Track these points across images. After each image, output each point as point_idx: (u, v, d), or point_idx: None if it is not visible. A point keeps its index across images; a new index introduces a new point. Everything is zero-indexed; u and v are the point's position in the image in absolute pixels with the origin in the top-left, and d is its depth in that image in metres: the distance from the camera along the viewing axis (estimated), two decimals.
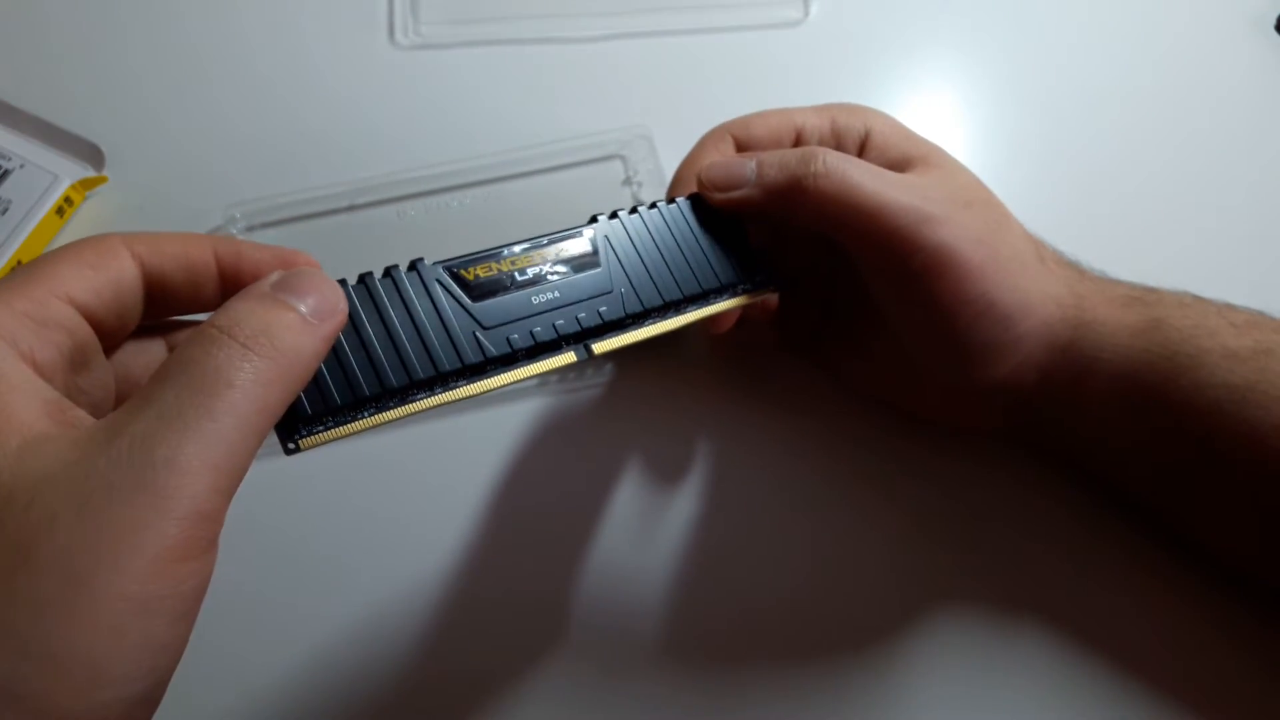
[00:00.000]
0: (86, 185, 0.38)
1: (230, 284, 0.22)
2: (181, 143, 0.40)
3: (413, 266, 0.24)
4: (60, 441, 0.17)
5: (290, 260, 0.23)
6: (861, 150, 0.29)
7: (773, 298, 0.31)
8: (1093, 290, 0.29)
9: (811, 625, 0.31)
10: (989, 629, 0.31)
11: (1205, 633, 0.30)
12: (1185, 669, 0.30)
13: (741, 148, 0.30)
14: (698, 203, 0.28)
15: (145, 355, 0.23)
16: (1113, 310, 0.28)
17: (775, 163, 0.27)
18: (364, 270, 0.23)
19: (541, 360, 0.24)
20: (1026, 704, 0.30)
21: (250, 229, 0.37)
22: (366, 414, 0.22)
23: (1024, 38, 0.45)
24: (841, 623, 0.31)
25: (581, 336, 0.25)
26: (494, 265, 0.25)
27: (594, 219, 0.27)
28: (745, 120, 0.30)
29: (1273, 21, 0.46)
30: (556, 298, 0.25)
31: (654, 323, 0.26)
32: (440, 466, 0.33)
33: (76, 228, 0.38)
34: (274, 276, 0.21)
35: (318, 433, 0.22)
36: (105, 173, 0.39)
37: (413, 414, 0.23)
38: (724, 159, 0.28)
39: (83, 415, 0.18)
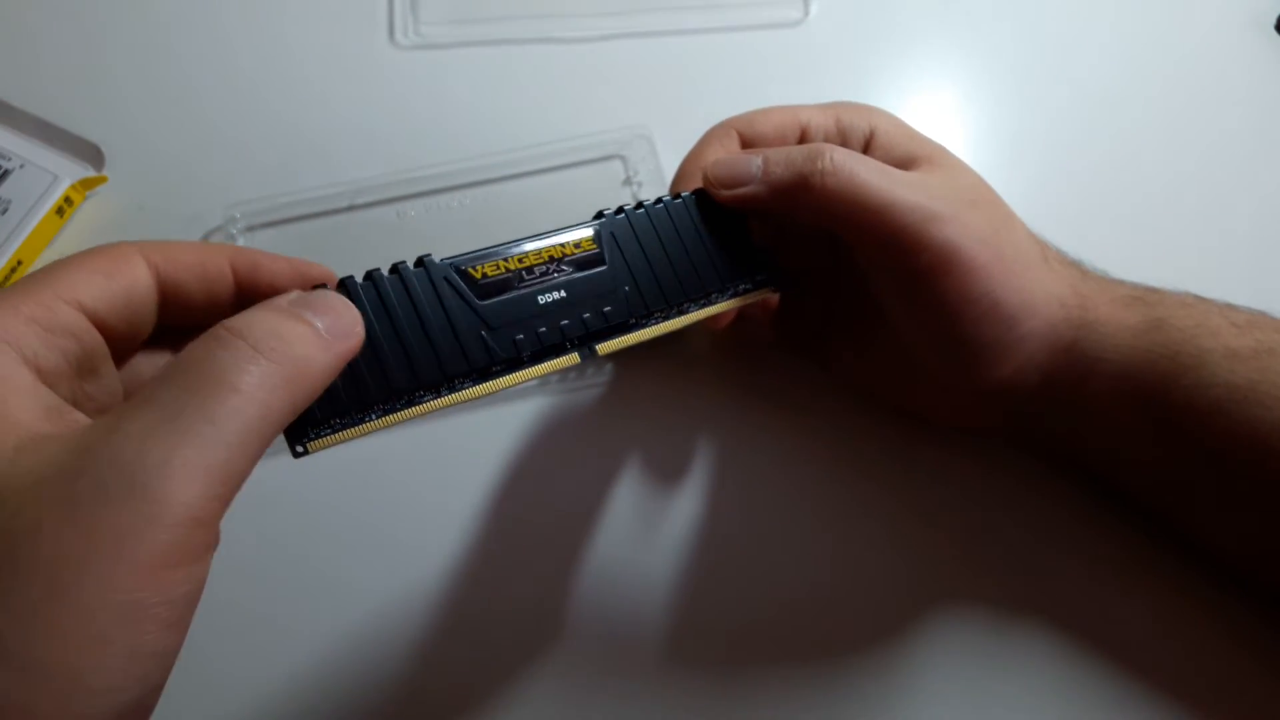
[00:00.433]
0: (86, 185, 0.38)
1: (246, 295, 0.22)
2: (182, 142, 0.40)
3: (420, 263, 0.24)
4: (57, 443, 0.17)
5: (307, 272, 0.22)
6: (866, 149, 0.29)
7: (774, 295, 0.31)
8: (1095, 290, 0.29)
9: (814, 624, 0.31)
10: (992, 628, 0.31)
11: (1206, 632, 0.30)
12: (1186, 668, 0.30)
13: (746, 144, 0.30)
14: (701, 199, 0.28)
15: (156, 365, 0.23)
16: (1115, 310, 0.28)
17: (781, 159, 0.27)
18: (367, 270, 0.23)
19: (546, 361, 0.24)
20: (1030, 702, 0.30)
21: (250, 229, 0.37)
22: (374, 416, 0.22)
23: (1024, 38, 0.45)
24: (844, 622, 0.31)
25: (586, 338, 0.25)
26: (502, 263, 0.24)
27: (599, 214, 0.27)
28: (750, 116, 0.30)
29: (1273, 21, 0.46)
30: (562, 297, 0.25)
31: (657, 323, 0.26)
32: (439, 467, 0.33)
33: (76, 228, 0.38)
34: (292, 295, 0.20)
35: (326, 435, 0.22)
36: (105, 173, 0.39)
37: (420, 415, 0.23)
38: (729, 155, 0.28)
39: (83, 419, 0.18)
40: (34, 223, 0.36)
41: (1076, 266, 0.30)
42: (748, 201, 0.27)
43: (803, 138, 0.30)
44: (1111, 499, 0.32)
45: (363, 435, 0.22)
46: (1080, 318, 0.28)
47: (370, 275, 0.23)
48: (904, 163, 0.28)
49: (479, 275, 0.24)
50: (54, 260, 0.20)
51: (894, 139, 0.29)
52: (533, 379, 0.24)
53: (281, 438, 0.20)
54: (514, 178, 0.39)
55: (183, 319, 0.22)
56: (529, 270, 0.25)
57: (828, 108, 0.30)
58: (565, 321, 0.25)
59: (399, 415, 0.23)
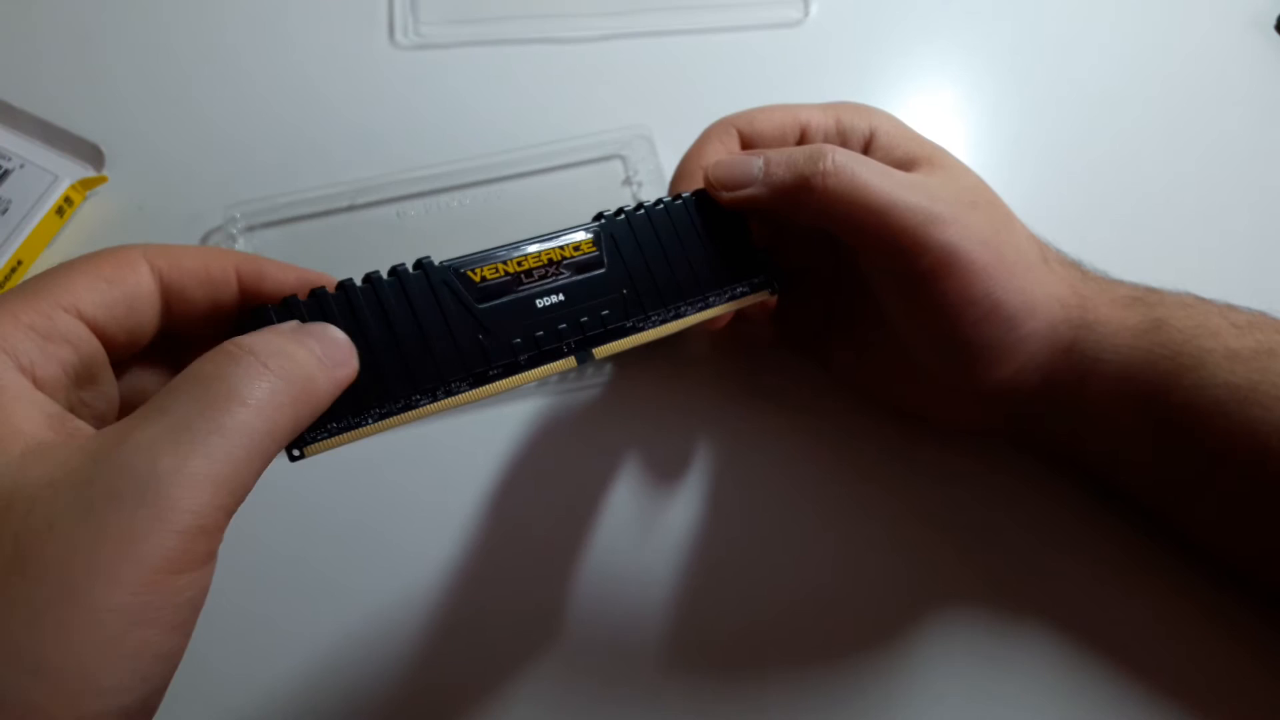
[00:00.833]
0: (86, 185, 0.38)
1: (250, 303, 0.22)
2: (182, 142, 0.40)
3: (419, 265, 0.24)
4: (64, 449, 0.17)
5: (314, 283, 0.23)
6: (866, 150, 0.29)
7: (772, 298, 0.31)
8: (1095, 291, 0.29)
9: (815, 625, 0.31)
10: (992, 629, 0.31)
11: (1206, 633, 0.30)
12: (1186, 669, 0.30)
13: (746, 142, 0.30)
14: (701, 200, 0.28)
15: (155, 371, 0.23)
16: (1115, 311, 0.28)
17: (783, 161, 0.27)
18: (366, 270, 0.23)
19: (542, 365, 0.24)
20: (1030, 703, 0.30)
21: (250, 229, 0.37)
22: (371, 420, 0.22)
23: (1023, 38, 0.45)
24: (844, 622, 0.31)
25: (583, 342, 0.25)
26: (501, 266, 0.24)
27: (599, 216, 0.27)
28: (750, 114, 0.30)
29: (1273, 21, 0.46)
30: (560, 301, 0.25)
31: (654, 326, 0.26)
32: (438, 468, 0.33)
33: (76, 228, 0.38)
34: (291, 323, 0.21)
35: (323, 439, 0.22)
36: (105, 173, 0.39)
37: (417, 419, 0.23)
38: (730, 157, 0.28)
39: (85, 427, 0.18)
40: (34, 223, 0.36)
41: (1076, 267, 0.30)
42: (749, 203, 0.27)
43: (803, 137, 0.30)
44: (1112, 499, 0.32)
45: (359, 439, 0.22)
46: (1080, 318, 0.28)
47: (368, 278, 0.23)
48: (904, 163, 0.28)
49: (478, 278, 0.24)
50: (57, 264, 0.20)
51: (894, 140, 0.29)
52: (529, 383, 0.24)
53: None
54: (514, 178, 0.39)
55: (184, 326, 0.22)
56: (528, 273, 0.25)
57: (828, 108, 0.30)
58: (562, 325, 0.25)
59: (395, 419, 0.23)
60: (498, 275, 0.24)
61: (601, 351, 0.25)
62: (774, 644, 0.31)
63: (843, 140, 0.30)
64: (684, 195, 0.28)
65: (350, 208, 0.38)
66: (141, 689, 0.17)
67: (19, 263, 0.36)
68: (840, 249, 0.31)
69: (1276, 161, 0.42)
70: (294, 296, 0.22)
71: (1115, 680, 0.30)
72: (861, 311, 0.31)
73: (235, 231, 0.37)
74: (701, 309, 0.27)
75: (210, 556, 0.17)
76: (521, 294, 0.24)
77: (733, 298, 0.28)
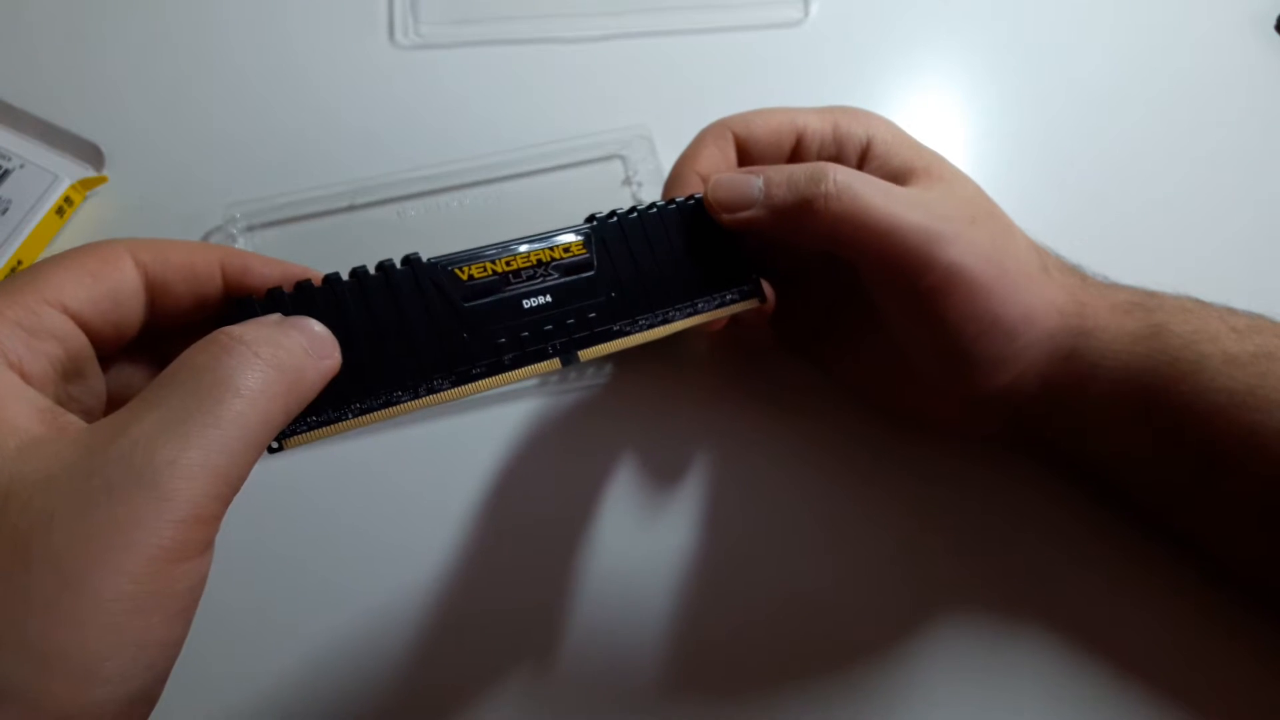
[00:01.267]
0: (86, 185, 0.38)
1: (234, 297, 0.22)
2: (182, 142, 0.40)
3: (407, 261, 0.24)
4: (60, 443, 0.17)
5: (298, 277, 0.23)
6: (863, 157, 0.29)
7: (764, 306, 0.31)
8: (1094, 297, 0.29)
9: (811, 627, 0.31)
10: (991, 631, 0.31)
11: (1206, 635, 0.30)
12: (1186, 670, 0.30)
13: (741, 145, 0.30)
14: (694, 206, 0.28)
15: (141, 365, 0.23)
16: (1114, 317, 0.28)
17: (783, 181, 0.26)
18: (352, 268, 0.23)
19: (527, 366, 0.24)
20: (1031, 705, 0.30)
21: (250, 229, 0.37)
22: (351, 414, 0.22)
23: (1023, 39, 0.45)
24: (841, 624, 0.31)
25: (569, 344, 0.25)
26: (489, 266, 0.24)
27: (591, 218, 0.27)
28: (746, 117, 0.30)
29: (1273, 21, 0.46)
30: (547, 302, 0.25)
31: (641, 330, 0.26)
32: (433, 471, 0.33)
33: (76, 228, 0.38)
34: (275, 316, 0.21)
35: (302, 432, 0.22)
36: (105, 173, 0.39)
37: (397, 416, 0.23)
38: (729, 175, 0.27)
39: (76, 421, 0.18)
40: (34, 223, 0.36)
41: (1076, 273, 0.30)
42: (750, 225, 0.27)
43: (799, 142, 0.30)
44: (1110, 501, 0.32)
45: (339, 433, 0.22)
46: (1079, 325, 0.28)
47: (355, 273, 0.23)
48: (901, 172, 0.28)
49: (465, 277, 0.24)
50: (41, 259, 0.20)
51: (891, 148, 0.29)
52: (513, 383, 0.24)
53: None
54: (514, 178, 0.39)
55: (169, 320, 0.22)
56: (516, 274, 0.25)
57: (825, 112, 0.30)
58: (549, 326, 0.25)
59: (375, 415, 0.23)
60: (485, 274, 0.24)
61: (587, 354, 0.25)
62: (771, 645, 0.31)
63: (840, 147, 0.29)
64: (677, 200, 0.28)
65: (350, 208, 0.38)
66: (144, 676, 0.17)
67: (19, 262, 0.36)
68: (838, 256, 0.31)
69: (1276, 162, 0.42)
70: (279, 289, 0.22)
71: (1113, 681, 0.30)
72: (859, 315, 0.31)
73: (235, 231, 0.37)
74: (690, 315, 0.27)
75: (208, 546, 0.18)
76: (508, 294, 0.24)
77: (721, 304, 0.28)
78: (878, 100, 0.42)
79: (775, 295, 0.32)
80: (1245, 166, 0.41)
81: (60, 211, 0.37)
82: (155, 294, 0.21)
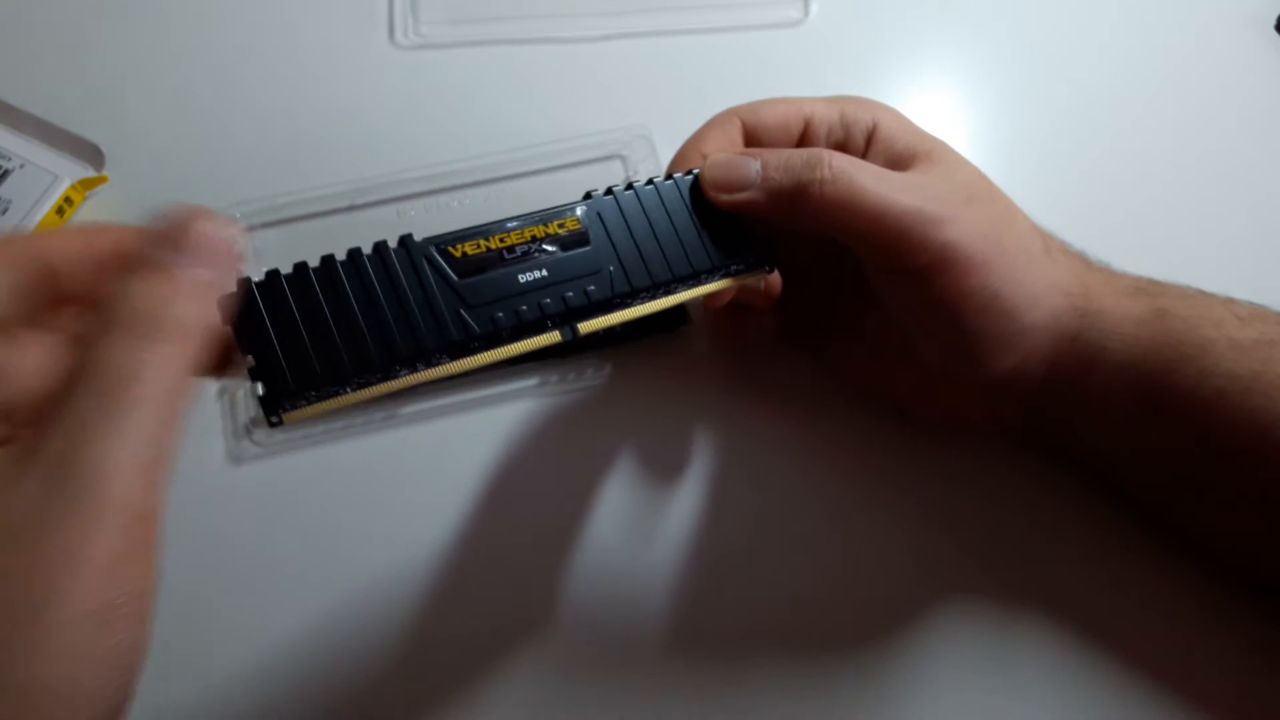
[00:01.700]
0: (86, 185, 0.38)
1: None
2: (182, 142, 0.40)
3: (402, 242, 0.24)
4: None
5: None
6: (868, 142, 0.29)
7: (775, 284, 0.31)
8: (1099, 281, 0.29)
9: (817, 620, 0.31)
10: (997, 623, 0.31)
11: (1207, 626, 0.30)
12: (1187, 662, 0.30)
13: (749, 133, 0.30)
14: (694, 181, 0.28)
15: (31, 349, 0.21)
16: (1119, 300, 0.28)
17: (780, 165, 0.26)
18: (349, 248, 0.23)
19: (526, 339, 0.24)
20: (1036, 699, 0.29)
21: (250, 229, 0.37)
22: (350, 389, 0.22)
23: (1023, 38, 0.45)
24: (846, 617, 0.31)
25: (568, 316, 0.25)
26: (483, 242, 0.25)
27: (588, 195, 0.26)
28: (754, 106, 0.30)
29: (1273, 21, 0.46)
30: (544, 276, 0.25)
31: (643, 302, 0.26)
32: (433, 472, 0.33)
33: None
34: (154, 232, 0.20)
35: (300, 406, 0.22)
36: (105, 173, 0.39)
37: (395, 390, 0.23)
38: (726, 156, 0.27)
39: None
40: (34, 223, 0.36)
41: (1080, 257, 0.30)
42: (745, 207, 0.27)
43: (806, 129, 0.30)
44: (1113, 494, 0.31)
45: (338, 408, 0.22)
46: (1085, 307, 0.28)
47: (351, 253, 0.23)
48: (904, 157, 0.28)
49: (459, 254, 0.24)
50: None
51: (895, 134, 0.29)
52: (512, 355, 0.24)
53: (258, 408, 0.20)
54: (514, 178, 0.39)
55: (60, 302, 0.20)
56: (510, 250, 0.25)
57: (832, 101, 0.30)
58: (547, 300, 0.25)
59: (375, 389, 0.23)
60: (479, 251, 0.24)
61: (587, 326, 0.25)
62: (777, 638, 0.30)
63: (846, 133, 0.29)
64: (675, 176, 0.27)
65: (350, 208, 0.38)
66: (120, 680, 0.17)
67: None
68: (841, 245, 0.31)
69: (1276, 161, 0.42)
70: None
71: (1116, 672, 0.30)
72: (863, 305, 0.31)
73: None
74: (694, 286, 0.27)
75: (154, 538, 0.18)
76: (504, 269, 0.25)
77: (727, 275, 0.27)
78: (878, 99, 0.42)
79: (780, 284, 0.32)
80: (1245, 166, 0.41)
81: (60, 211, 0.37)
82: (42, 283, 0.20)
